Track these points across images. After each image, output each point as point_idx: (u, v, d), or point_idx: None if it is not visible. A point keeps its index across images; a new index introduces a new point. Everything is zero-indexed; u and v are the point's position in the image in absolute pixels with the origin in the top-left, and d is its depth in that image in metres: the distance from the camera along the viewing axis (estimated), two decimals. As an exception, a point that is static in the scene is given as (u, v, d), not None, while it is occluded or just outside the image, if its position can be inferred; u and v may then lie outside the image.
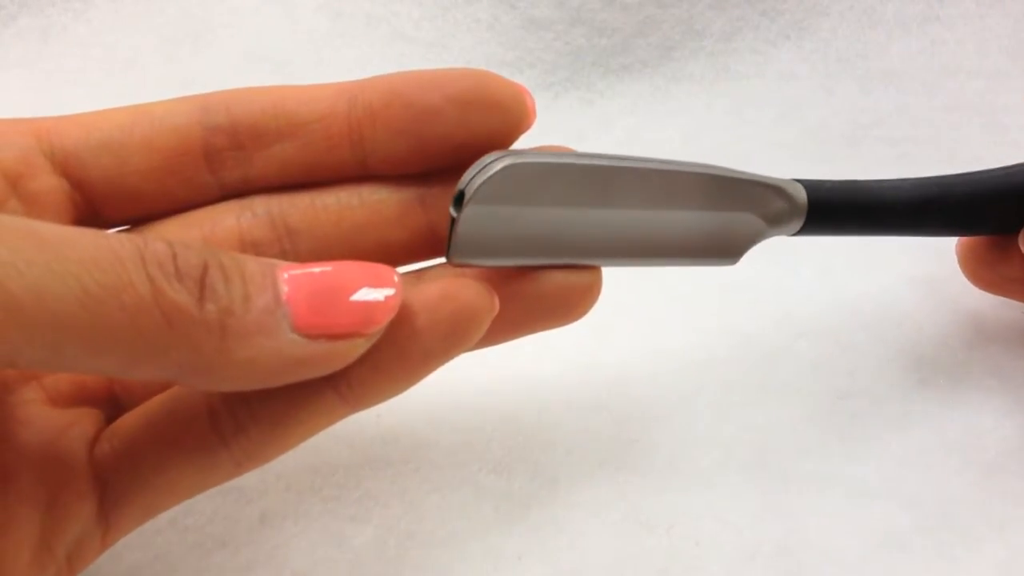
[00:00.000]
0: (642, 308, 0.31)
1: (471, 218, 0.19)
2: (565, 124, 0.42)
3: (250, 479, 0.26)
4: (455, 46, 0.43)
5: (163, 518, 0.23)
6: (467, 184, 0.19)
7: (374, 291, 0.17)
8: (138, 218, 0.21)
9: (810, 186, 0.23)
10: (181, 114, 0.21)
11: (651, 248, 0.21)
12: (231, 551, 0.24)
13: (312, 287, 0.17)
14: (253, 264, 0.17)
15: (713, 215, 0.21)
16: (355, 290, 0.17)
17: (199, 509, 0.22)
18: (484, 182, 0.19)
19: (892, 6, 0.43)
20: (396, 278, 0.18)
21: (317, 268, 0.17)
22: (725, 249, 0.22)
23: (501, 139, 0.21)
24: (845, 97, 0.41)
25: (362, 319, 0.17)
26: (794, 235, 0.23)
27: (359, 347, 0.18)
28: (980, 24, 0.42)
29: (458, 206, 0.19)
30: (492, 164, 0.19)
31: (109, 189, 0.20)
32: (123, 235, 0.15)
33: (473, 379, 0.28)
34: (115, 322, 0.14)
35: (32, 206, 0.20)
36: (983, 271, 0.28)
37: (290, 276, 0.17)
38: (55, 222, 0.18)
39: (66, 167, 0.20)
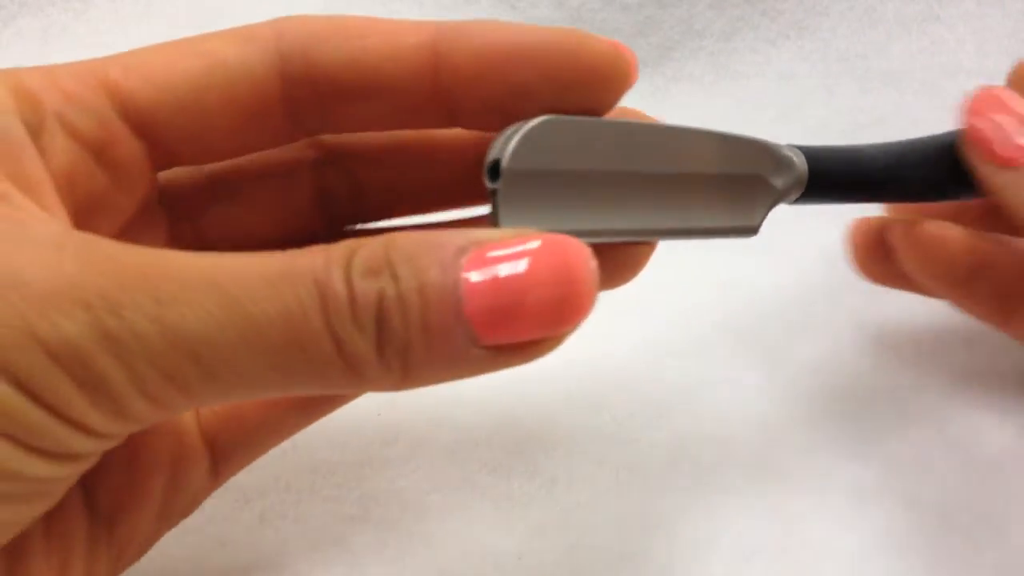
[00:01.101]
0: (642, 307, 0.31)
1: (510, 185, 0.18)
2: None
3: (250, 479, 0.26)
4: (455, 46, 0.43)
5: (163, 518, 0.23)
6: (500, 152, 0.18)
7: (566, 284, 0.16)
8: (213, 162, 0.21)
9: (808, 151, 0.23)
10: (258, 64, 0.19)
11: (680, 212, 0.21)
12: (231, 551, 0.24)
13: (496, 294, 0.15)
14: (435, 273, 0.15)
15: (731, 177, 0.22)
16: (545, 288, 0.16)
17: (199, 509, 0.22)
18: (517, 147, 0.18)
19: (892, 6, 0.43)
20: (591, 264, 0.16)
21: (502, 267, 0.15)
22: (744, 215, 0.22)
23: (599, 106, 0.19)
24: (845, 97, 0.41)
25: (554, 323, 0.16)
26: (793, 203, 0.23)
27: (553, 347, 0.16)
28: (980, 24, 0.42)
29: (494, 176, 0.18)
30: (519, 129, 0.18)
31: (187, 147, 0.20)
32: (305, 275, 0.15)
33: (473, 379, 0.28)
34: (297, 372, 0.15)
35: (117, 173, 0.19)
36: (872, 265, 0.28)
37: (469, 287, 0.15)
38: (138, 185, 0.20)
39: (143, 129, 0.19)
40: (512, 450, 0.27)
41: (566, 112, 0.19)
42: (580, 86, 0.19)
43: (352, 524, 0.25)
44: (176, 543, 0.24)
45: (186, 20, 0.41)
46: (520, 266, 0.15)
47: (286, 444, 0.27)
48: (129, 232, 0.20)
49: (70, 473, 0.16)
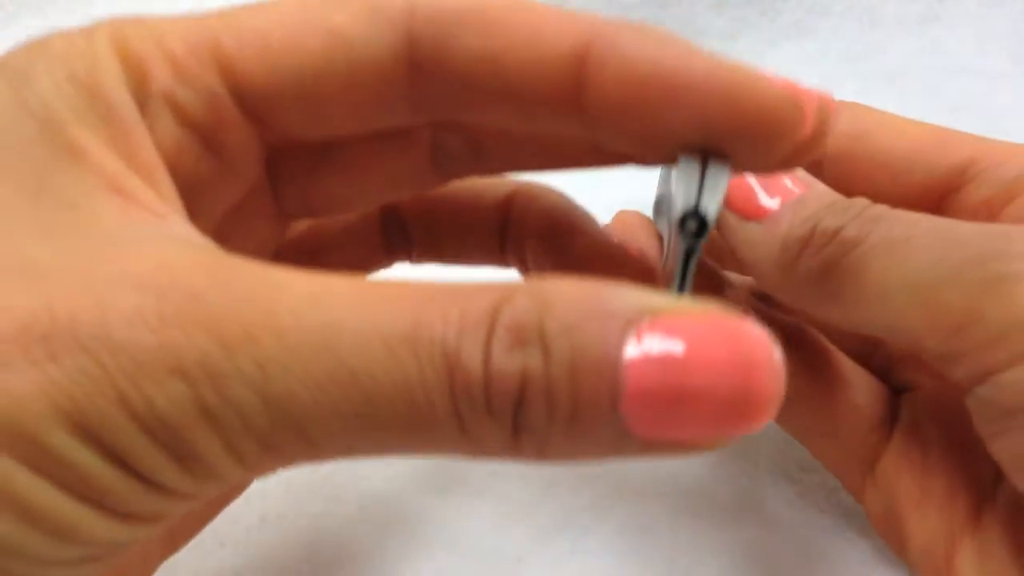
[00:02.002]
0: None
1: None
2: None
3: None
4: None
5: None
6: (698, 202, 0.15)
7: (746, 372, 0.13)
8: (324, 137, 0.19)
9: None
10: (386, 48, 0.16)
11: None
12: (231, 551, 0.24)
13: (664, 384, 0.13)
14: (595, 352, 0.13)
15: None
16: (722, 381, 0.13)
17: (199, 509, 0.22)
18: (720, 200, 0.15)
19: (892, 6, 0.43)
20: (776, 351, 0.13)
21: (674, 347, 0.13)
22: None
23: (761, 157, 0.16)
24: (845, 97, 0.41)
25: (726, 427, 0.13)
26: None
27: (723, 445, 0.13)
28: (980, 24, 0.42)
29: (690, 231, 0.15)
30: (715, 178, 0.15)
31: (300, 129, 0.18)
32: (434, 343, 0.13)
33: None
34: (411, 446, 0.14)
35: (225, 158, 0.17)
36: None
37: (633, 370, 0.12)
38: (248, 168, 0.18)
39: (255, 111, 0.17)
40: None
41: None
42: (741, 138, 0.15)
43: (352, 525, 0.25)
44: (176, 543, 0.24)
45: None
46: (697, 347, 0.13)
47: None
48: (235, 209, 0.19)
49: (151, 531, 0.15)
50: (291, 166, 0.20)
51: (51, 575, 0.14)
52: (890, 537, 0.23)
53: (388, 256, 0.24)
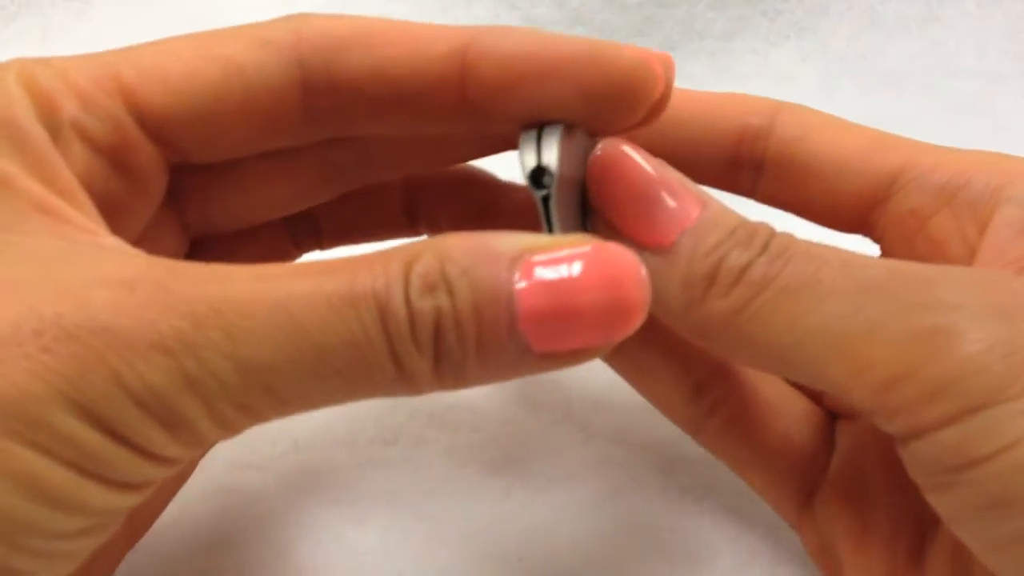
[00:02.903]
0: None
1: (557, 191, 0.18)
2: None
3: (251, 479, 0.26)
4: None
5: (163, 518, 0.23)
6: (541, 159, 0.18)
7: (617, 289, 0.16)
8: (225, 159, 0.21)
9: None
10: (277, 72, 0.18)
11: None
12: (231, 551, 0.24)
13: (550, 303, 0.15)
14: (489, 287, 0.15)
15: None
16: (598, 294, 0.16)
17: (199, 509, 0.22)
18: (560, 153, 0.18)
19: (892, 6, 0.43)
20: (642, 269, 0.16)
21: (555, 274, 0.15)
22: None
23: (622, 123, 0.19)
24: (845, 97, 0.41)
25: (606, 329, 0.16)
26: None
27: (604, 351, 0.16)
28: (980, 25, 0.42)
29: (540, 182, 0.18)
30: (551, 136, 0.18)
31: (201, 150, 0.19)
32: (367, 298, 0.15)
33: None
34: (359, 390, 0.16)
35: (133, 179, 0.19)
36: None
37: (523, 298, 0.15)
38: (155, 188, 0.19)
39: (158, 134, 0.19)
40: (512, 451, 0.27)
41: (595, 119, 0.18)
42: (607, 100, 0.18)
43: (352, 524, 0.25)
44: (177, 542, 0.24)
45: (186, 21, 0.41)
46: (573, 272, 0.15)
47: (287, 444, 0.27)
48: (146, 231, 0.20)
49: (140, 498, 0.16)
50: (191, 185, 0.21)
51: (55, 547, 0.15)
52: (827, 570, 0.22)
53: (297, 249, 0.25)
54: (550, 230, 0.18)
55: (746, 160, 0.22)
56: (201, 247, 0.23)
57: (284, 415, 0.16)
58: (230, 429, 0.15)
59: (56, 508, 0.14)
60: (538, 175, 0.18)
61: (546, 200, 0.18)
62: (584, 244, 0.16)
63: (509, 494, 0.26)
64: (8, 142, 0.16)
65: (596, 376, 0.29)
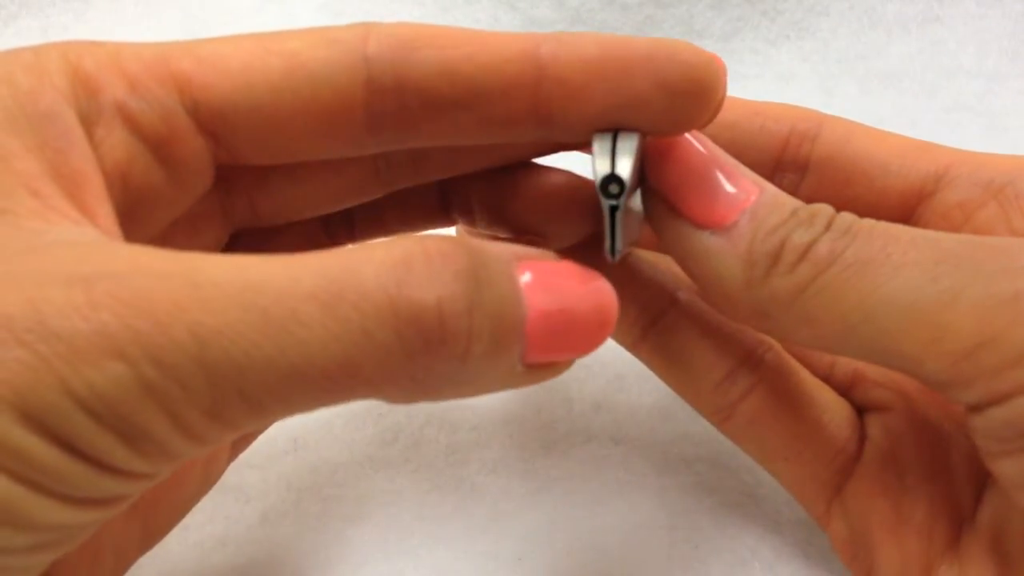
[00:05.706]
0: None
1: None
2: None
3: (251, 479, 0.26)
4: (455, 46, 0.43)
5: (163, 518, 0.23)
6: (614, 168, 0.17)
7: (603, 312, 0.17)
8: (276, 163, 0.20)
9: None
10: (342, 72, 0.17)
11: None
12: (231, 551, 0.24)
13: (552, 319, 0.16)
14: (509, 295, 0.15)
15: None
16: (591, 315, 0.17)
17: (199, 509, 0.22)
18: (635, 163, 0.18)
19: (892, 6, 0.43)
20: (612, 292, 0.17)
21: (564, 291, 0.16)
22: None
23: (695, 120, 0.18)
24: (845, 97, 0.41)
25: (588, 346, 0.17)
26: None
27: (565, 369, 0.17)
28: (980, 24, 0.42)
29: (612, 191, 0.17)
30: (625, 144, 0.18)
31: (253, 148, 0.18)
32: (373, 293, 0.14)
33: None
34: (353, 395, 0.15)
35: (176, 170, 0.18)
36: None
37: (535, 306, 0.16)
38: (198, 181, 0.19)
39: (210, 127, 0.18)
40: (511, 450, 0.27)
41: (668, 122, 0.18)
42: (685, 96, 0.18)
43: (352, 524, 0.25)
44: (177, 542, 0.24)
45: (186, 21, 0.41)
46: (569, 280, 0.16)
47: (287, 444, 0.27)
48: (182, 219, 0.19)
49: (110, 514, 0.15)
50: (241, 178, 0.20)
51: (6, 563, 0.14)
52: (856, 563, 0.22)
53: (330, 239, 0.24)
54: (612, 237, 0.18)
55: (790, 163, 0.23)
56: (233, 237, 0.22)
57: (263, 422, 0.15)
58: (202, 440, 0.14)
59: (4, 524, 0.13)
60: (608, 183, 0.17)
61: (614, 210, 0.18)
62: (570, 263, 0.17)
63: (509, 494, 0.26)
64: (20, 118, 0.16)
65: (596, 376, 0.29)
